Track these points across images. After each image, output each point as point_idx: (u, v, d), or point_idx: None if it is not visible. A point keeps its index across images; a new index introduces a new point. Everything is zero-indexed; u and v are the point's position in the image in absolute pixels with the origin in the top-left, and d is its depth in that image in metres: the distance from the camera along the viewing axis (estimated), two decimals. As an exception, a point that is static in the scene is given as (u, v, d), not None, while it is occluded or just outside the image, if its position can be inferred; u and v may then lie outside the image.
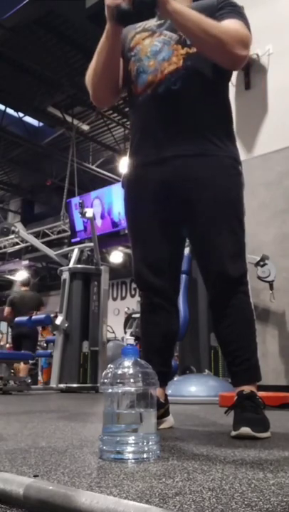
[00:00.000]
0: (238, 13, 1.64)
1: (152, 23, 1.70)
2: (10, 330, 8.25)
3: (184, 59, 1.61)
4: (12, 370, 6.95)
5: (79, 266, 5.90)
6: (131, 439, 1.05)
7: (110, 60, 1.65)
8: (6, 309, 7.44)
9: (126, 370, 1.08)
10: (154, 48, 1.65)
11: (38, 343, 9.34)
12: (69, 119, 10.79)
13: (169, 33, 1.65)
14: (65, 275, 5.86)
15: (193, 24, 1.50)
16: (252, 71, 4.50)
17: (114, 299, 15.22)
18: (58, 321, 5.61)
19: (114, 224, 11.11)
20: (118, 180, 9.61)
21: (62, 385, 5.40)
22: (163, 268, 1.70)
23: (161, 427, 1.63)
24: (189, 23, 1.50)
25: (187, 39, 1.61)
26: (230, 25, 1.56)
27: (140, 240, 1.74)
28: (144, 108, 1.66)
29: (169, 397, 1.80)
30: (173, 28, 1.64)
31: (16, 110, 11.06)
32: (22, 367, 7.87)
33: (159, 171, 1.63)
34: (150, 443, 1.06)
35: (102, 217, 11.15)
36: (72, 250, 6.19)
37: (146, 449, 1.05)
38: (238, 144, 1.76)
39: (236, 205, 1.67)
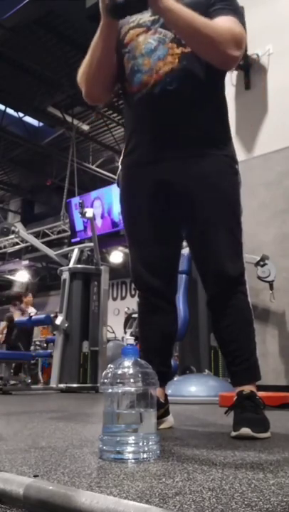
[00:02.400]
0: (233, 9, 1.60)
1: (147, 18, 1.66)
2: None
3: (180, 58, 1.59)
4: (12, 370, 6.96)
5: (79, 266, 5.90)
6: (131, 439, 1.05)
7: (105, 56, 1.63)
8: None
9: (126, 370, 1.08)
10: (148, 45, 1.62)
11: (38, 343, 9.45)
12: (69, 119, 10.78)
13: (164, 30, 1.62)
14: (65, 275, 5.85)
15: (185, 23, 1.47)
16: (252, 71, 4.50)
17: (114, 299, 15.22)
18: (58, 321, 5.61)
19: (114, 224, 11.10)
20: (118, 180, 9.58)
21: (62, 385, 5.40)
22: (160, 268, 1.70)
23: (161, 427, 1.63)
24: (181, 21, 1.47)
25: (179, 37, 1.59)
26: (224, 23, 1.53)
27: (137, 239, 1.73)
28: (140, 107, 1.64)
29: (169, 397, 1.79)
30: None
31: (16, 110, 11.06)
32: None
33: (155, 170, 1.62)
34: (150, 443, 1.06)
35: (102, 217, 11.16)
36: (72, 250, 6.20)
37: (146, 449, 1.05)
38: (238, 144, 1.76)
39: (234, 204, 1.66)
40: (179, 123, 1.61)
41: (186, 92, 1.59)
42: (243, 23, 1.60)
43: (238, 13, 1.61)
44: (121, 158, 1.79)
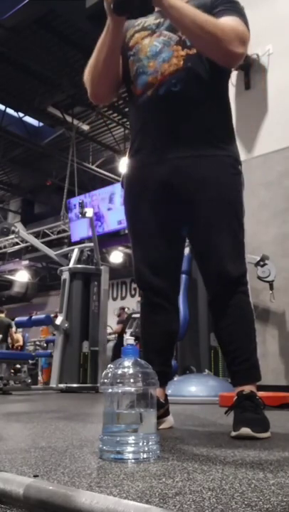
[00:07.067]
0: (236, 10, 1.61)
1: (151, 21, 1.68)
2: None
3: (184, 60, 1.60)
4: (12, 371, 6.96)
5: (79, 266, 5.90)
6: (131, 439, 1.05)
7: (111, 55, 1.64)
8: None
9: (126, 370, 1.08)
10: (153, 48, 1.64)
11: (39, 343, 9.44)
12: (69, 119, 10.78)
13: (169, 33, 1.64)
14: (65, 275, 5.85)
15: (189, 19, 1.47)
16: (252, 71, 4.50)
17: (114, 299, 15.21)
18: (58, 321, 5.61)
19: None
20: (118, 180, 9.60)
21: (62, 385, 5.40)
22: (163, 268, 1.70)
23: (161, 427, 1.63)
24: (185, 18, 1.48)
25: (184, 36, 1.59)
26: (227, 21, 1.54)
27: (140, 240, 1.74)
28: (144, 109, 1.66)
29: (169, 397, 1.79)
30: (172, 28, 1.63)
31: (16, 110, 11.06)
32: None
33: (159, 171, 1.63)
34: (150, 443, 1.06)
35: (102, 217, 11.14)
36: (72, 250, 6.20)
37: (146, 449, 1.05)
38: (238, 144, 1.76)
39: (236, 204, 1.67)
40: (182, 124, 1.62)
41: (190, 93, 1.60)
42: (246, 23, 1.60)
43: (242, 14, 1.62)
44: (127, 159, 1.80)
